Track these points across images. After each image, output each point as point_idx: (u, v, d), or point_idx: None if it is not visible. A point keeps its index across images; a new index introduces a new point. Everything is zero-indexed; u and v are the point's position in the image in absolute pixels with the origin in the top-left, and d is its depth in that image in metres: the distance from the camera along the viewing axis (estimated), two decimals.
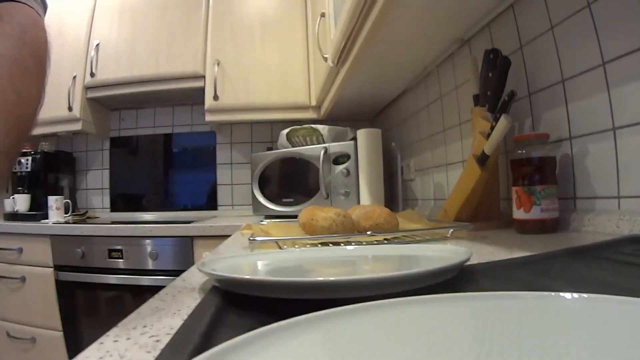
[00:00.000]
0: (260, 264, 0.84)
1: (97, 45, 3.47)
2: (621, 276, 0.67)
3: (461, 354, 0.34)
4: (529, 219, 1.31)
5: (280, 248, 1.11)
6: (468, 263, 0.72)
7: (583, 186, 1.32)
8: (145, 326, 0.50)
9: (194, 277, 0.79)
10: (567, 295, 0.40)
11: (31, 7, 0.83)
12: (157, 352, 0.41)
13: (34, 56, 0.77)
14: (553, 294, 0.41)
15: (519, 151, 1.37)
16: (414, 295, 0.43)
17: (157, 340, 0.45)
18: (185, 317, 0.52)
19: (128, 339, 0.46)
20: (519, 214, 1.34)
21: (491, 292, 0.44)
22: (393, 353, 0.34)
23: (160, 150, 4.04)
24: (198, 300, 0.61)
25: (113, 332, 0.48)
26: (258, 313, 0.50)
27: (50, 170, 3.65)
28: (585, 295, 0.39)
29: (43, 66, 0.80)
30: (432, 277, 0.58)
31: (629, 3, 1.11)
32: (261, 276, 0.65)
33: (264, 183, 3.09)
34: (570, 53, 1.35)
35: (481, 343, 0.36)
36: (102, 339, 0.46)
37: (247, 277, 0.58)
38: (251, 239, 1.15)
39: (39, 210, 3.42)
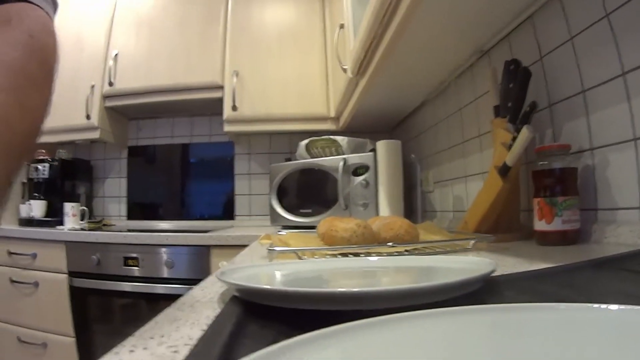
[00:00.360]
0: (280, 274, 0.83)
1: (116, 55, 3.52)
2: None
3: None
4: (550, 230, 1.30)
5: (299, 258, 1.11)
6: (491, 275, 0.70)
7: (604, 197, 1.31)
8: (162, 336, 0.49)
9: (213, 287, 0.78)
10: (604, 305, 0.38)
11: (42, 8, 0.80)
12: None
13: (41, 64, 0.74)
14: (588, 305, 0.39)
15: (541, 162, 1.36)
16: (436, 308, 0.42)
17: (175, 352, 0.43)
18: (205, 327, 0.51)
19: (145, 349, 0.45)
20: (540, 225, 1.33)
21: (516, 303, 0.43)
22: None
23: (178, 159, 4.08)
24: (217, 311, 0.60)
25: (129, 342, 0.47)
26: (279, 324, 0.49)
27: (67, 178, 3.71)
28: (616, 306, 0.38)
29: (50, 75, 0.77)
30: (458, 289, 0.57)
31: None
32: (282, 286, 0.64)
33: (282, 194, 3.10)
34: (590, 63, 1.35)
35: (509, 357, 0.35)
36: (118, 348, 0.45)
37: (269, 287, 0.57)
38: (270, 248, 1.15)
39: (54, 216, 3.47)
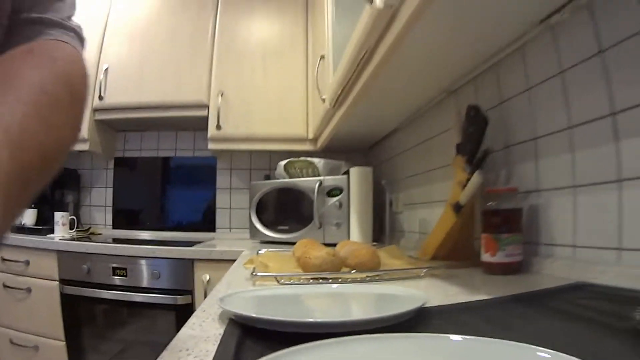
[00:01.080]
0: (266, 299, 1.04)
1: (106, 69, 3.60)
2: (555, 323, 0.83)
3: None
4: (494, 262, 1.47)
5: (278, 283, 1.30)
6: (427, 305, 0.89)
7: (545, 234, 1.49)
8: (187, 349, 0.68)
9: (211, 308, 0.97)
10: (454, 337, 0.60)
11: (66, 42, 0.79)
12: None
13: (67, 87, 0.70)
14: (443, 335, 0.61)
15: (489, 203, 1.54)
16: (381, 330, 0.64)
17: None
18: (215, 343, 0.71)
19: (180, 357, 0.64)
20: (486, 257, 1.50)
21: (420, 333, 0.65)
22: None
23: (162, 172, 4.18)
24: (220, 329, 0.79)
25: (166, 355, 0.66)
26: (270, 341, 0.67)
27: (56, 187, 3.79)
28: (468, 337, 0.59)
29: (77, 101, 0.73)
30: (392, 319, 0.77)
31: (596, 74, 1.28)
32: (269, 314, 0.80)
33: (261, 210, 3.24)
34: (543, 114, 1.52)
35: None
36: (164, 354, 0.65)
37: (260, 316, 0.77)
38: (254, 274, 1.35)
39: (45, 224, 3.54)
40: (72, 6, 0.87)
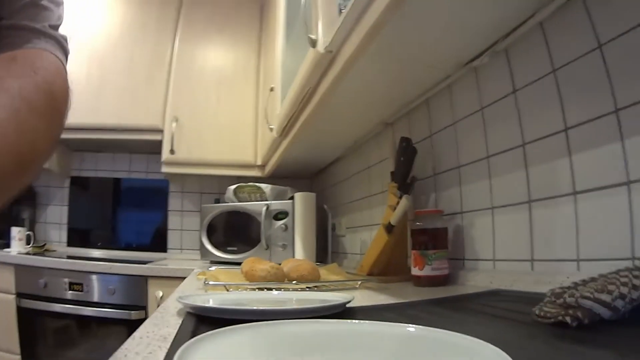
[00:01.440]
0: (218, 300, 1.18)
1: None
2: (467, 318, 0.96)
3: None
4: (422, 275, 1.64)
5: (227, 290, 1.44)
6: (354, 305, 1.06)
7: (470, 250, 1.68)
8: (153, 331, 0.82)
9: (170, 306, 1.11)
10: (356, 321, 0.75)
11: (51, 52, 0.81)
12: (171, 339, 0.75)
13: (47, 96, 0.72)
14: (354, 321, 0.76)
15: (417, 223, 1.71)
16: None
17: (167, 336, 0.78)
18: (176, 327, 0.85)
19: (147, 336, 0.78)
20: (415, 271, 1.67)
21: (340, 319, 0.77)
22: (288, 342, 0.68)
23: (116, 192, 4.23)
24: (179, 320, 0.93)
25: (137, 334, 0.79)
26: (219, 326, 0.73)
27: (13, 202, 3.67)
28: (367, 321, 0.75)
29: (58, 109, 0.75)
30: (321, 310, 0.93)
31: (510, 110, 1.46)
32: (222, 306, 0.97)
33: (211, 232, 3.37)
34: (466, 145, 1.71)
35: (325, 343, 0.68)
36: (135, 334, 0.79)
37: (210, 305, 0.93)
38: (206, 282, 1.48)
39: (1, 239, 3.54)
40: (59, 17, 0.90)
